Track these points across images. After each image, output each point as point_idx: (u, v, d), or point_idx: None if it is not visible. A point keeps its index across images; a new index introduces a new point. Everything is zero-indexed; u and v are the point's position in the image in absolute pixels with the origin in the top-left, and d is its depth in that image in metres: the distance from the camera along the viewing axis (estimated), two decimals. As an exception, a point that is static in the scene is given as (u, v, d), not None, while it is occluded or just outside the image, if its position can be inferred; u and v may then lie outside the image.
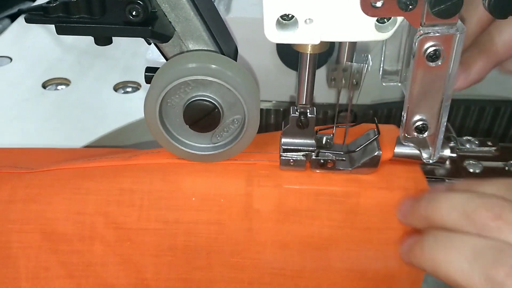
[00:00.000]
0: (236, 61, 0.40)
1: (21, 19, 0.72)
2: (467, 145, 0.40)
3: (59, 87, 0.61)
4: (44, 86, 0.60)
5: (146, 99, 0.36)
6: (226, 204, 0.38)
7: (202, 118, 0.37)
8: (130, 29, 0.34)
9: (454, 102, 0.55)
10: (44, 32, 0.69)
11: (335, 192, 0.38)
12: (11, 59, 0.64)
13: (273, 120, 0.64)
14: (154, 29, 0.35)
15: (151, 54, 0.54)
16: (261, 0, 0.53)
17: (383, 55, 0.38)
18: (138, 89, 0.61)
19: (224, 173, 0.39)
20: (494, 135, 0.62)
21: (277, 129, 0.51)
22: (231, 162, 0.39)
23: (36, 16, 0.34)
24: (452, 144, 0.38)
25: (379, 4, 0.27)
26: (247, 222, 0.38)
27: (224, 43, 0.40)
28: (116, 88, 0.61)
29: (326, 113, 0.61)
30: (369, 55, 0.34)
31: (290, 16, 0.30)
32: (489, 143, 0.40)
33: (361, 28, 0.30)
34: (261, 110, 0.60)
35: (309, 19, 0.29)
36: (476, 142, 0.40)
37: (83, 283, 0.39)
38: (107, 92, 0.60)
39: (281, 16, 0.30)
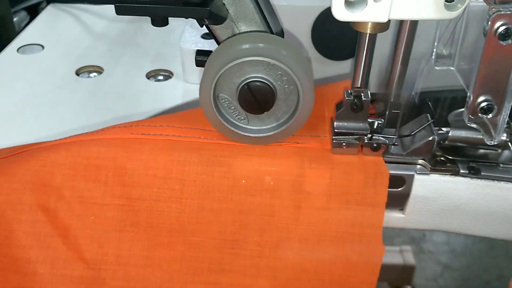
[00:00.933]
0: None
1: (50, 7, 0.72)
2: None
3: (92, 75, 0.61)
4: (77, 73, 0.60)
5: (202, 82, 0.36)
6: (189, 182, 0.38)
7: (256, 99, 0.37)
8: (189, 10, 0.34)
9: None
10: (74, 21, 0.69)
11: None
12: (43, 47, 0.64)
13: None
14: (210, 10, 0.35)
15: (185, 43, 0.54)
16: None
17: (436, 39, 0.38)
18: (170, 77, 0.60)
19: (188, 150, 0.39)
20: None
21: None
22: (280, 144, 0.39)
23: (96, -5, 0.33)
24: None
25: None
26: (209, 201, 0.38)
27: (273, 24, 0.39)
28: (148, 76, 0.61)
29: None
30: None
31: (358, -7, 0.30)
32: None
33: (430, 6, 0.29)
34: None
35: (378, -3, 0.29)
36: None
37: (42, 254, 0.39)
38: (140, 80, 0.59)
39: (351, -6, 0.30)
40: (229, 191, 0.37)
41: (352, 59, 0.52)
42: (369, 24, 0.33)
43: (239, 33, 0.37)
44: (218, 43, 0.39)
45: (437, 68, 0.38)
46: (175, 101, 0.54)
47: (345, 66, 0.53)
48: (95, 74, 0.61)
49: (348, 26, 0.54)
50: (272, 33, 0.39)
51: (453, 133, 0.37)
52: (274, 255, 0.38)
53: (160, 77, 0.61)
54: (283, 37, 0.41)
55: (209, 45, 0.51)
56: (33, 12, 1.26)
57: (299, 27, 0.52)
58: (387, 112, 0.38)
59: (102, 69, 0.61)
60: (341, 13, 0.30)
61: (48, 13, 0.71)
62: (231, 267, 0.39)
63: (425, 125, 0.37)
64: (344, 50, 0.53)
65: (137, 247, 0.39)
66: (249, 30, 0.38)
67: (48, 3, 0.72)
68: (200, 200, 0.38)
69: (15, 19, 1.21)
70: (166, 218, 0.38)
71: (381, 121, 0.39)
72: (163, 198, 0.38)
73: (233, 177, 0.37)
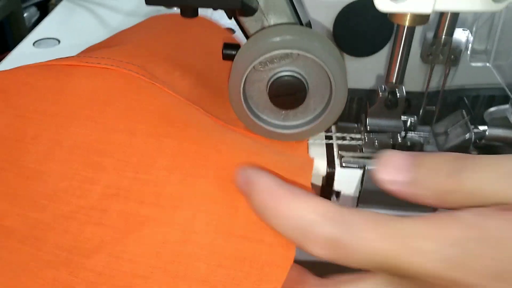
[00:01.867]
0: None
1: (65, 2, 0.71)
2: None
3: (109, 70, 0.59)
4: (94, 68, 0.59)
5: (231, 77, 0.35)
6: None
7: (288, 94, 0.35)
8: (221, 0, 0.33)
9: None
10: (89, 15, 0.68)
11: None
12: (59, 41, 0.63)
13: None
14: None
15: None
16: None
17: (473, 33, 0.36)
18: (188, 73, 0.59)
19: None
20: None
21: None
22: None
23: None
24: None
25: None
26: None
27: (301, 15, 0.38)
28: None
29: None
30: (469, 31, 0.33)
31: (401, -16, 0.29)
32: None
33: (476, -2, 0.28)
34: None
35: (422, -13, 0.28)
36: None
37: None
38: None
39: (393, -16, 0.28)
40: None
41: (374, 56, 0.51)
42: (408, 15, 0.32)
43: (269, 26, 0.36)
44: (247, 36, 0.38)
45: (472, 64, 0.37)
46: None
47: (366, 62, 0.52)
48: (112, 69, 0.59)
49: (371, 22, 0.53)
50: (302, 24, 0.37)
51: (490, 131, 0.36)
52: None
53: (177, 73, 0.60)
54: (311, 28, 0.40)
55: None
56: (43, 8, 1.25)
57: (320, 22, 0.50)
58: (421, 109, 0.37)
59: (119, 64, 0.60)
60: (384, 4, 0.29)
61: (64, 7, 0.70)
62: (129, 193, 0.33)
63: (460, 122, 0.36)
64: (366, 46, 0.52)
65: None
66: (279, 22, 0.37)
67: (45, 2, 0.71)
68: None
69: (25, 15, 1.21)
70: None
71: (414, 118, 0.38)
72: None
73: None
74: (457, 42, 0.32)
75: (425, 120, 0.38)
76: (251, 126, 0.37)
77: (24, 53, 0.59)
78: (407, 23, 0.32)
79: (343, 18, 0.50)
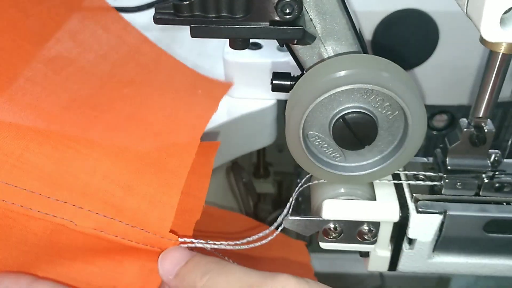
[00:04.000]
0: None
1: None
2: None
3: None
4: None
5: (288, 119, 0.30)
6: None
7: (355, 133, 0.30)
8: (280, 30, 0.27)
9: None
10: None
11: None
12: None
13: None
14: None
15: (230, 54, 0.46)
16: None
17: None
18: (213, 91, 0.54)
19: None
20: None
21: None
22: None
23: (167, 15, 0.27)
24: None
25: None
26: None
27: (362, 43, 0.33)
28: (191, 89, 0.54)
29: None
30: None
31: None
32: None
33: None
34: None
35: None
36: None
37: None
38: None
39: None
40: None
41: (418, 68, 0.46)
42: (503, 42, 0.26)
43: (328, 57, 0.31)
44: (300, 65, 0.33)
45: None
46: (220, 118, 0.47)
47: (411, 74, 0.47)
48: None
49: (414, 32, 0.48)
50: (365, 50, 0.32)
51: None
52: None
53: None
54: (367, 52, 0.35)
55: (258, 55, 0.44)
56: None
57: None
58: (509, 142, 0.32)
59: (140, 82, 0.55)
60: (493, 34, 0.23)
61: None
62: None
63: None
64: (409, 58, 0.47)
65: None
66: (339, 50, 0.31)
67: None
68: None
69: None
70: None
71: (498, 153, 0.32)
72: None
73: None
74: None
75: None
76: (313, 170, 0.32)
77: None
78: (503, 50, 0.27)
79: (384, 28, 0.45)
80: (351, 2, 0.45)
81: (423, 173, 0.34)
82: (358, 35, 0.32)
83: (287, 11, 0.27)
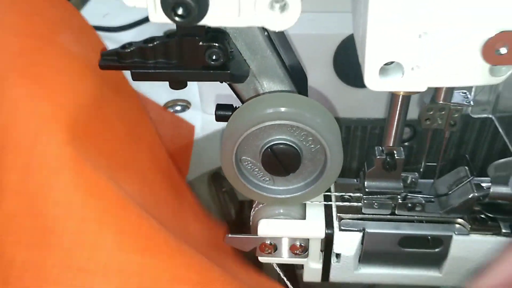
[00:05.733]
0: (307, 92, 0.38)
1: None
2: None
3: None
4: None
5: (223, 145, 0.34)
6: None
7: (281, 162, 0.34)
8: (209, 74, 0.32)
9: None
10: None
11: None
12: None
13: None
14: (231, 71, 0.32)
15: None
16: (318, 16, 0.51)
17: (473, 90, 0.35)
18: (188, 107, 0.59)
19: None
20: None
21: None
22: None
23: (110, 61, 0.31)
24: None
25: (503, 51, 0.24)
26: None
27: (296, 76, 0.37)
28: (166, 107, 0.59)
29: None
30: (469, 94, 0.31)
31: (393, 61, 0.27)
32: None
33: (473, 73, 0.27)
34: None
35: (416, 66, 0.27)
36: None
37: None
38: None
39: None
40: None
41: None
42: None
43: (263, 93, 0.35)
44: (240, 98, 0.37)
45: (473, 116, 0.36)
46: (195, 133, 0.52)
47: (368, 92, 0.51)
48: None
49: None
50: (295, 85, 0.36)
51: (494, 189, 0.35)
52: None
53: (178, 107, 0.59)
54: (306, 86, 0.39)
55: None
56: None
57: (321, 55, 0.49)
58: (421, 165, 0.36)
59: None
60: (374, 83, 0.27)
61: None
62: None
63: (463, 182, 0.35)
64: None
65: None
66: (272, 86, 0.36)
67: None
68: None
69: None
70: None
71: (415, 175, 0.36)
72: None
73: None
74: (456, 107, 0.31)
75: (426, 175, 0.37)
76: (245, 191, 0.36)
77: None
78: (402, 92, 0.31)
79: (343, 49, 0.49)
80: (313, 25, 0.49)
81: (348, 194, 0.38)
82: (290, 74, 0.36)
83: (214, 57, 0.31)
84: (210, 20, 0.27)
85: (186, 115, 0.56)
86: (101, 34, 0.68)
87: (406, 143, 0.57)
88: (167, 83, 0.63)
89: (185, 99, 0.59)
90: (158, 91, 0.60)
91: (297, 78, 0.37)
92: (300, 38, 0.51)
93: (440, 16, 0.25)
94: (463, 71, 0.27)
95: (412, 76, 0.27)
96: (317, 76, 0.55)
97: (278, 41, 0.37)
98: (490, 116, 0.36)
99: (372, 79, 0.27)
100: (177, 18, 0.27)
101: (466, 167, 0.35)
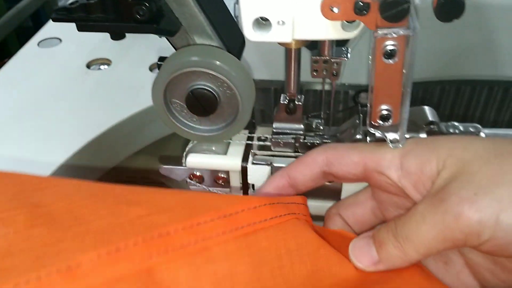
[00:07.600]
0: (241, 53, 0.44)
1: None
2: (450, 130, 0.42)
3: (101, 67, 0.67)
4: (88, 66, 0.67)
5: (153, 88, 0.42)
6: None
7: (202, 104, 0.42)
8: (137, 27, 0.39)
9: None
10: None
11: None
12: (60, 40, 0.71)
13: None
14: (160, 25, 0.40)
15: None
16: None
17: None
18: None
19: None
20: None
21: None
22: None
23: (61, 15, 0.40)
24: (431, 128, 0.40)
25: (336, 9, 0.30)
26: None
27: (229, 37, 0.44)
28: (151, 68, 0.66)
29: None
30: (349, 48, 0.37)
31: (265, 18, 0.34)
32: (472, 129, 0.42)
33: (328, 28, 0.33)
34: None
35: (281, 21, 0.33)
36: (461, 128, 0.42)
37: None
38: (143, 72, 0.65)
39: (259, 18, 0.34)
40: None
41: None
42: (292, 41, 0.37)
43: (191, 45, 0.42)
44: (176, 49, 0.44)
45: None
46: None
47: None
48: (105, 66, 0.67)
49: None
50: (224, 43, 0.43)
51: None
52: None
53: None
54: (242, 48, 0.45)
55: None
56: None
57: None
58: (321, 113, 0.42)
59: (111, 62, 0.67)
60: (251, 34, 0.34)
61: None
62: None
63: (355, 126, 0.41)
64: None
65: None
66: (201, 41, 0.43)
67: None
68: None
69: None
70: None
71: (319, 121, 0.43)
72: None
73: None
74: (337, 60, 0.37)
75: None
76: (175, 128, 0.44)
77: (28, 53, 0.68)
78: (293, 46, 0.37)
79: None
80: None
81: (265, 135, 0.45)
82: (218, 32, 0.43)
83: (141, 13, 0.39)
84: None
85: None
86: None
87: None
88: (155, 48, 0.70)
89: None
90: (147, 54, 0.67)
91: (230, 37, 0.44)
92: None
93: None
94: (320, 26, 0.33)
95: (279, 30, 0.33)
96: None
97: (212, 4, 0.44)
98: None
99: (248, 31, 0.34)
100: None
101: (360, 115, 0.41)
